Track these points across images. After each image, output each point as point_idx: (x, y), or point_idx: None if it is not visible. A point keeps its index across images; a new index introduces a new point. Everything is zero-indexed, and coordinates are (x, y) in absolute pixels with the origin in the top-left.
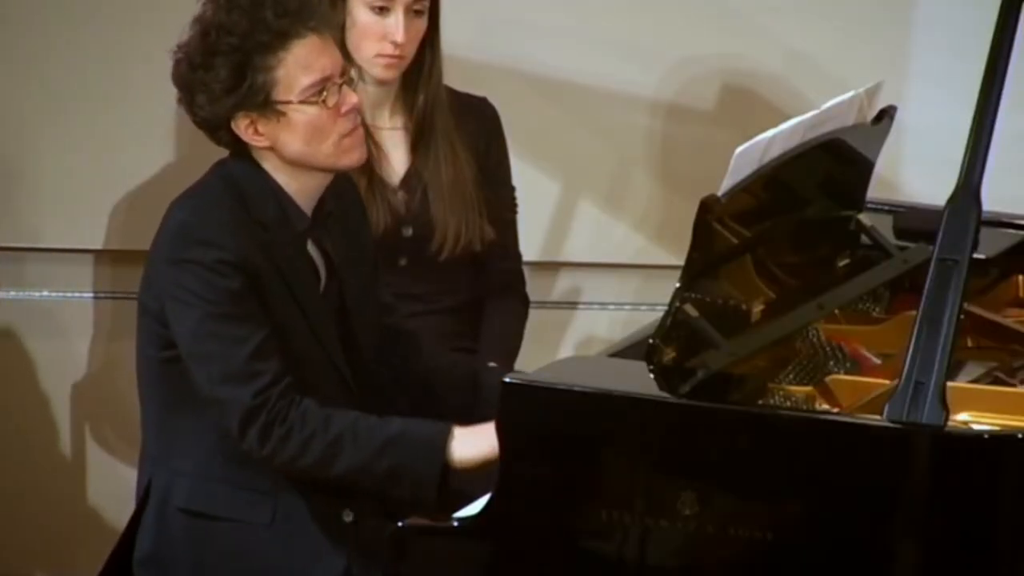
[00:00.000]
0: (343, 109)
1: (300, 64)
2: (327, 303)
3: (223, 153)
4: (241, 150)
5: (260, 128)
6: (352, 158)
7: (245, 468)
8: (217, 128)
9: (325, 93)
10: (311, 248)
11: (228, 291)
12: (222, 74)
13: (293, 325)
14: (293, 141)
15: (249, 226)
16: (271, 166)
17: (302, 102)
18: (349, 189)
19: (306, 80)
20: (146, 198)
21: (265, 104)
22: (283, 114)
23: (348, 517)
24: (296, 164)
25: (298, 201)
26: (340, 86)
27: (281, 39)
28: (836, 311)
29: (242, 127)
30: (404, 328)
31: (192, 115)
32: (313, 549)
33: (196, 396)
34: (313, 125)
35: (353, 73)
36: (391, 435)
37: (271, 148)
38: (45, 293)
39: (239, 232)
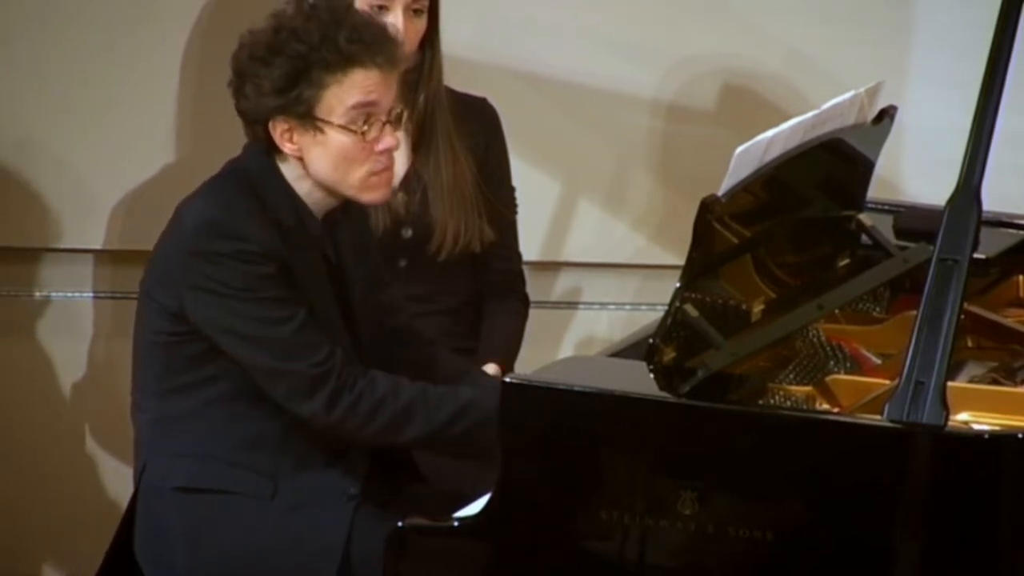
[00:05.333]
0: (379, 147)
1: (352, 91)
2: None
3: (223, 154)
4: (267, 150)
5: (295, 137)
6: (375, 196)
7: (251, 451)
8: (255, 122)
9: (367, 126)
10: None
11: (264, 276)
12: (276, 73)
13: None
14: (322, 161)
15: (269, 223)
16: (293, 175)
17: (342, 127)
18: None
19: (350, 105)
20: (146, 198)
21: (306, 116)
22: (321, 131)
23: (351, 491)
24: (319, 183)
25: (312, 209)
26: (384, 124)
27: (344, 63)
28: (836, 311)
29: (279, 131)
30: (408, 327)
31: (236, 101)
32: (313, 524)
33: (200, 379)
34: (346, 152)
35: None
36: (463, 403)
37: (300, 158)
38: (45, 293)
39: (263, 226)
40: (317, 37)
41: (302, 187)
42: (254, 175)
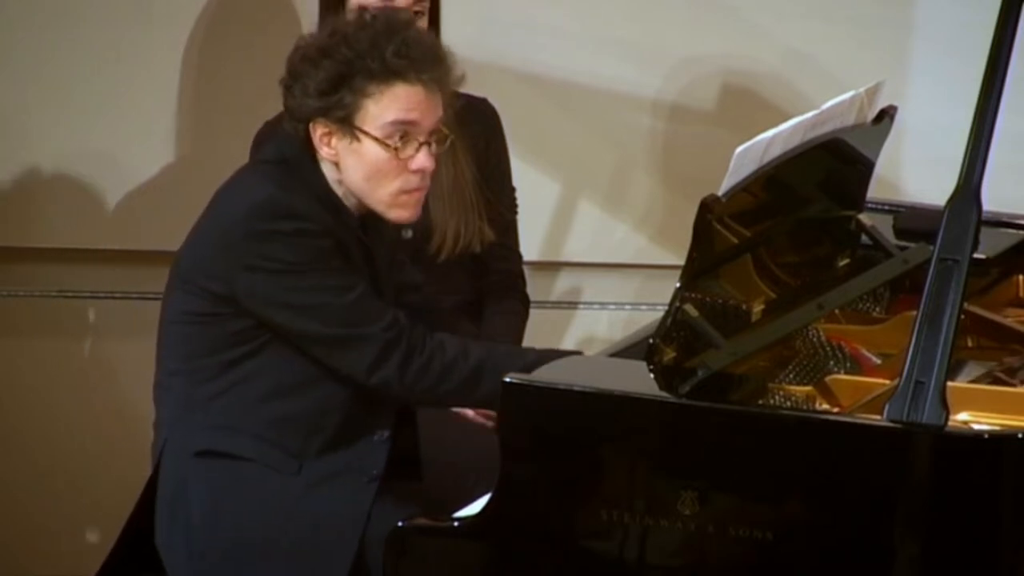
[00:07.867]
0: (412, 165)
1: (393, 104)
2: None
3: (223, 153)
4: (307, 148)
5: (333, 142)
6: (402, 214)
7: (281, 431)
8: (299, 121)
9: (401, 142)
10: None
11: (323, 249)
12: (321, 75)
13: None
14: (356, 170)
15: (317, 203)
16: (331, 176)
17: (377, 139)
18: None
19: (389, 120)
20: (146, 198)
21: (344, 121)
22: (357, 140)
23: (373, 472)
24: (352, 190)
25: (349, 206)
26: (422, 144)
27: (388, 75)
28: (836, 311)
29: (319, 133)
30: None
31: (285, 99)
32: (334, 502)
33: (233, 358)
34: (378, 166)
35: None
36: (532, 360)
37: (336, 163)
38: (45, 293)
39: (314, 205)
40: (365, 45)
41: (339, 189)
42: (296, 161)
